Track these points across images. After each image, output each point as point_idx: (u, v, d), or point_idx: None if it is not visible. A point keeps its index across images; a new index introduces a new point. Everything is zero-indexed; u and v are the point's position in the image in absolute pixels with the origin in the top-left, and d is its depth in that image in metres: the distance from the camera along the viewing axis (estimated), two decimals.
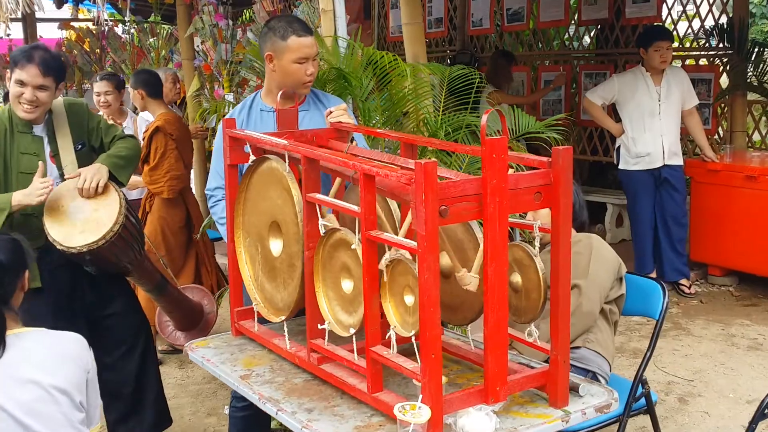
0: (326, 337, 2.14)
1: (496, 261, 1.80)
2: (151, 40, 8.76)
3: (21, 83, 2.93)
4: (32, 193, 2.88)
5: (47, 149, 3.06)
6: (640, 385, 2.77)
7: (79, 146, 3.13)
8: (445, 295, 2.19)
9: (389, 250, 1.88)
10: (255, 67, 4.20)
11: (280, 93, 2.66)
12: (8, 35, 12.31)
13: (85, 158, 3.12)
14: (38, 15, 10.27)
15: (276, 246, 2.34)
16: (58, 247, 2.86)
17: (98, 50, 9.57)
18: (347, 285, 2.05)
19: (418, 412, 1.74)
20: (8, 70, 2.95)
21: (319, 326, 2.14)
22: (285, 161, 2.21)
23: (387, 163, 2.32)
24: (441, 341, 1.74)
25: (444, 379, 1.85)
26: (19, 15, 7.19)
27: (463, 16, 8.92)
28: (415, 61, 4.17)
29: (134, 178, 5.32)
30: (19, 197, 2.89)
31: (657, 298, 2.81)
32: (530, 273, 2.02)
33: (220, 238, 3.82)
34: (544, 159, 1.91)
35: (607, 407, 2.02)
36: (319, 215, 2.09)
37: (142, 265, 3.31)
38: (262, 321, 2.53)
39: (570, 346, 2.71)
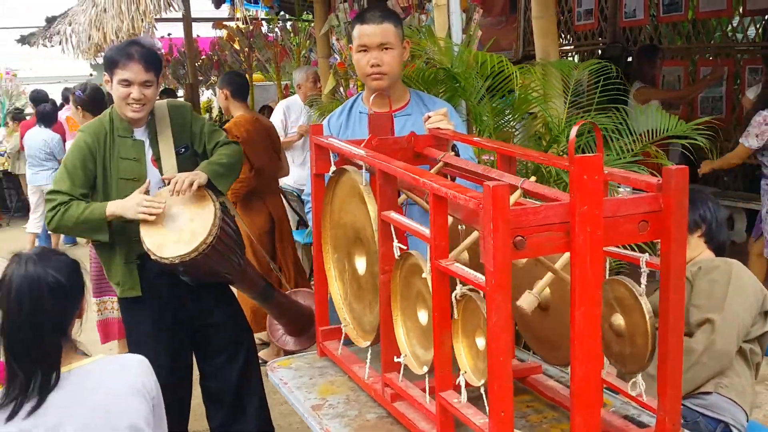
0: (401, 372, 1.92)
1: (586, 303, 1.50)
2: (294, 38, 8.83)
3: (126, 83, 2.87)
4: (132, 208, 2.81)
5: (148, 153, 2.99)
6: None
7: (182, 150, 3.05)
8: (544, 330, 1.92)
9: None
10: None
11: (373, 96, 2.46)
12: (169, 35, 13.00)
13: (187, 163, 3.04)
14: (193, 15, 10.70)
15: (361, 264, 2.14)
16: (152, 256, 2.79)
17: (246, 49, 9.81)
18: (423, 316, 1.81)
19: None
20: (105, 74, 2.91)
21: (395, 359, 1.91)
22: (362, 173, 2.01)
23: (485, 176, 2.06)
24: (512, 396, 1.47)
25: None
26: (164, 15, 7.45)
27: (614, 7, 8.36)
28: (545, 58, 3.85)
29: None
30: (114, 209, 2.83)
31: None
32: (635, 315, 1.69)
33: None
34: (653, 180, 1.58)
35: None
36: (394, 236, 1.87)
37: (244, 274, 3.21)
38: (348, 342, 2.35)
39: (699, 392, 2.39)
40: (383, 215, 1.90)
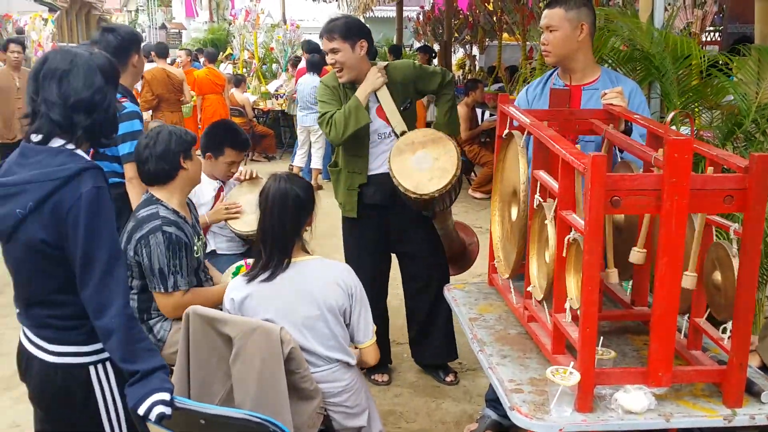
0: (533, 298, 2.42)
1: (668, 255, 1.90)
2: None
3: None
4: (373, 77, 3.59)
5: (373, 106, 3.70)
6: None
7: (404, 107, 3.73)
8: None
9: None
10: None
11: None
12: None
13: (409, 116, 3.73)
14: None
15: (513, 212, 2.64)
16: (412, 195, 3.39)
17: (499, 11, 10.26)
18: (548, 256, 2.29)
19: (568, 376, 1.96)
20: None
21: (528, 288, 2.42)
22: (522, 138, 2.49)
23: (635, 148, 2.45)
24: (597, 317, 1.92)
25: (611, 353, 2.05)
26: None
27: None
28: (763, 42, 3.97)
29: None
30: (363, 91, 3.59)
31: None
32: (728, 272, 2.04)
33: None
34: (742, 163, 1.91)
35: None
36: (537, 192, 2.34)
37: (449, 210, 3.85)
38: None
39: None
40: (534, 173, 2.38)
